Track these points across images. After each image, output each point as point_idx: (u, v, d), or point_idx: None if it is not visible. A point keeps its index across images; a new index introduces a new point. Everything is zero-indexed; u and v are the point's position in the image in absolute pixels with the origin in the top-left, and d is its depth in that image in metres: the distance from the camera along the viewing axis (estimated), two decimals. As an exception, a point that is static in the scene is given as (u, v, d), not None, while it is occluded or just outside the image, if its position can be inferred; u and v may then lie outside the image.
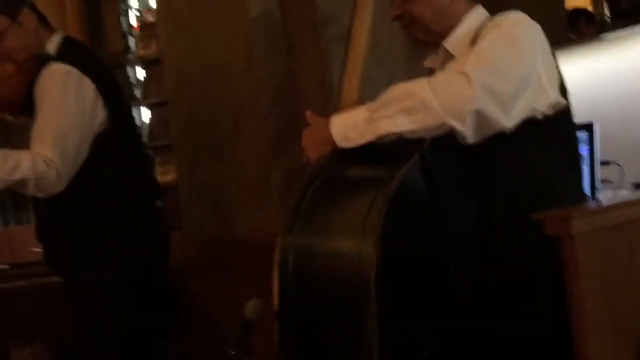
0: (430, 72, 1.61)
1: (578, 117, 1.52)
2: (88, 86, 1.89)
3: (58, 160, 1.79)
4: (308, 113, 1.46)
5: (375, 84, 2.11)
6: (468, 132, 1.24)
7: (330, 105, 2.02)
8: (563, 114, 1.41)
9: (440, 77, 1.29)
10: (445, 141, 1.27)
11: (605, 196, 1.86)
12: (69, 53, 1.95)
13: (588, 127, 1.92)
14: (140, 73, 4.16)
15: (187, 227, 2.66)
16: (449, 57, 1.50)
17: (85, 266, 1.94)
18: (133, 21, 4.85)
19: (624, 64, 2.02)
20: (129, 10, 4.86)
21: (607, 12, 1.96)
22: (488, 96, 1.23)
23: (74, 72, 1.88)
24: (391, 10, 1.51)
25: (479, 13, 1.50)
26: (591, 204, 1.30)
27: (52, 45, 1.98)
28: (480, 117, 1.24)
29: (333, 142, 1.33)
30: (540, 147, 1.36)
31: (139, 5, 4.82)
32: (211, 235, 2.44)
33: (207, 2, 2.38)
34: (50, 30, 2.04)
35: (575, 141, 1.49)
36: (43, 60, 1.90)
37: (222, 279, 2.29)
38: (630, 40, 1.98)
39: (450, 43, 1.48)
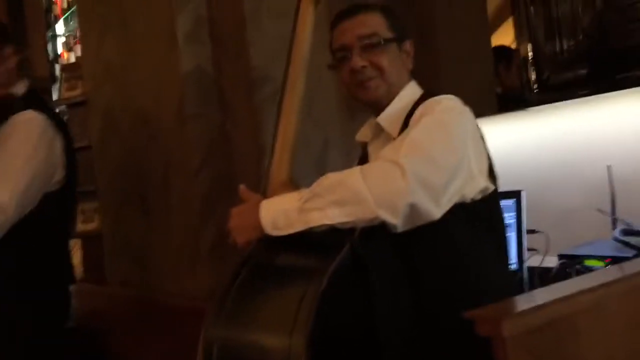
0: (363, 146, 1.60)
1: (505, 185, 1.54)
2: (59, 143, 1.83)
3: (12, 210, 1.70)
4: (242, 188, 1.40)
5: (310, 144, 2.09)
6: (399, 223, 1.22)
7: (262, 166, 2.00)
8: (491, 197, 1.41)
9: (374, 167, 1.27)
10: (375, 230, 1.25)
11: (532, 264, 1.88)
12: (39, 103, 1.88)
13: (516, 195, 1.94)
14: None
15: (110, 280, 2.54)
16: (380, 131, 1.50)
17: None
18: (60, 48, 4.69)
19: (550, 134, 2.06)
20: (56, 37, 4.70)
21: (534, 86, 2.00)
22: (421, 189, 1.22)
23: (50, 127, 1.82)
24: (352, 61, 1.45)
25: (413, 89, 1.51)
26: (522, 301, 1.30)
27: (21, 90, 1.90)
28: (413, 210, 1.22)
29: (262, 228, 1.29)
30: (468, 231, 1.37)
31: (65, 32, 4.66)
32: (137, 294, 2.33)
33: (138, 52, 2.30)
34: (19, 74, 1.97)
35: (502, 222, 1.50)
36: (12, 103, 1.81)
37: (147, 342, 2.18)
38: (556, 112, 2.03)
39: (384, 118, 1.47)
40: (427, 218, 1.25)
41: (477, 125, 1.42)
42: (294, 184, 1.41)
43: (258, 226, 1.28)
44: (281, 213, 1.27)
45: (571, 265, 1.75)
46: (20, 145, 1.76)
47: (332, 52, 1.53)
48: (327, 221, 1.22)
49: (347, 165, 2.07)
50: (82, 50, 2.70)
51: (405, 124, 1.40)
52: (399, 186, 1.20)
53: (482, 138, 1.43)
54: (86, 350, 2.32)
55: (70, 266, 1.95)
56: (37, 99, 1.90)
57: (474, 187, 1.35)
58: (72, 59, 4.44)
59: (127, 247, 2.45)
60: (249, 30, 2.00)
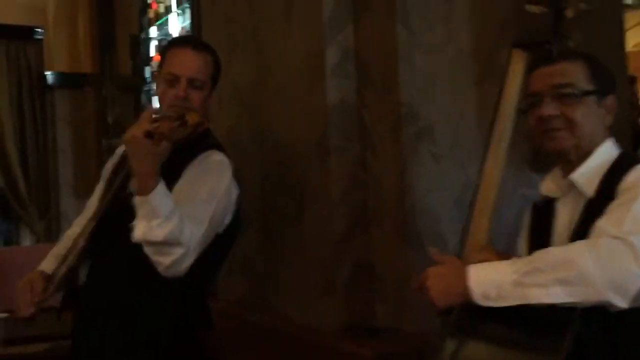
0: (548, 200, 1.49)
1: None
2: (235, 191, 1.81)
3: (198, 248, 1.65)
4: (434, 251, 1.33)
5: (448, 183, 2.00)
6: (627, 305, 1.13)
7: (405, 206, 1.92)
8: None
9: (602, 246, 1.18)
10: (596, 309, 1.16)
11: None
12: (219, 145, 1.87)
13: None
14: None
15: (221, 297, 2.49)
16: (570, 188, 1.39)
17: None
18: (152, 51, 4.67)
19: None
20: (149, 40, 4.68)
21: None
22: None
23: (231, 172, 1.81)
24: (542, 108, 1.36)
25: (611, 148, 1.40)
26: None
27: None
28: None
29: (467, 296, 1.21)
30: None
31: (159, 35, 4.64)
32: (255, 316, 2.27)
33: (273, 78, 2.23)
34: None
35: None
36: (203, 138, 1.80)
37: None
38: None
39: (578, 176, 1.37)
40: None
41: None
42: (493, 248, 1.33)
43: (464, 293, 1.22)
44: (493, 284, 1.19)
45: None
46: (214, 186, 1.74)
47: (525, 97, 1.43)
48: (548, 300, 1.15)
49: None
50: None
51: (604, 185, 1.31)
52: (632, 270, 1.12)
53: None
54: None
55: (209, 312, 1.88)
56: (217, 140, 1.86)
57: None
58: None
59: (246, 267, 2.40)
60: (400, 65, 1.91)
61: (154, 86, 4.62)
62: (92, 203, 1.96)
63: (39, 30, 5.31)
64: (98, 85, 5.20)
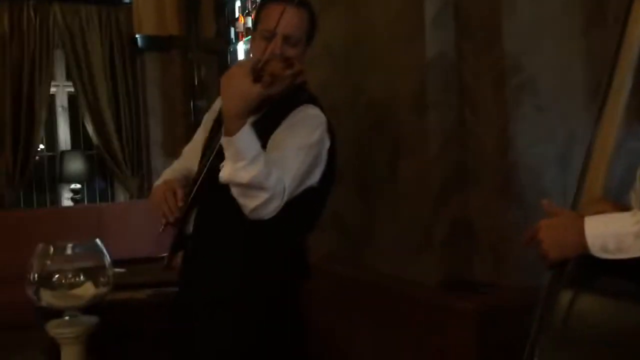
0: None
1: None
2: (327, 144, 1.78)
3: (287, 195, 1.66)
4: (547, 203, 1.28)
5: (555, 138, 1.92)
6: None
7: (507, 160, 1.86)
8: None
9: None
10: None
11: None
12: (316, 100, 1.85)
13: None
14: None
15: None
16: None
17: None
18: (237, 12, 4.70)
19: None
20: (235, 2, 4.71)
21: None
22: None
23: (325, 126, 1.78)
24: None
25: None
26: None
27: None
28: None
29: (582, 248, 1.17)
30: None
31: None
32: (347, 272, 2.28)
33: (368, 34, 2.19)
34: None
35: None
36: (304, 91, 1.80)
37: (353, 318, 2.14)
38: None
39: None
40: None
41: None
42: (609, 201, 1.27)
43: (580, 245, 1.17)
44: (613, 235, 1.14)
45: None
46: (305, 138, 1.73)
47: None
48: None
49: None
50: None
51: None
52: None
53: None
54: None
55: (305, 261, 1.90)
56: (313, 94, 1.85)
57: None
58: (249, 24, 4.46)
59: (336, 223, 2.41)
60: (504, 15, 1.83)
61: (239, 46, 4.69)
62: (195, 148, 1.99)
63: (128, -6, 5.44)
64: (184, 48, 5.29)
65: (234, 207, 1.73)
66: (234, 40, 4.74)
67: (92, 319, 2.14)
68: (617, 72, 1.27)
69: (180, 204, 1.79)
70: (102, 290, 2.19)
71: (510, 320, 1.76)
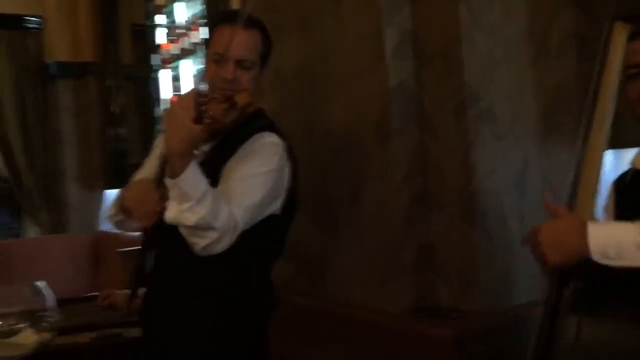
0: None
1: None
2: (288, 171, 1.71)
3: (240, 229, 1.58)
4: (549, 201, 1.29)
5: (511, 163, 1.98)
6: None
7: (470, 188, 1.90)
8: None
9: None
10: None
11: None
12: (274, 126, 1.76)
13: None
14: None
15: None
16: None
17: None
18: (161, 39, 4.56)
19: None
20: (155, 27, 4.57)
21: None
22: None
23: (285, 153, 1.70)
24: None
25: None
26: None
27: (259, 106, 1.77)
28: None
29: (583, 252, 1.18)
30: None
31: (168, 23, 4.54)
32: (311, 303, 2.22)
33: (325, 63, 2.18)
34: None
35: None
36: (259, 119, 1.72)
37: (314, 346, 2.09)
38: None
39: None
40: None
41: None
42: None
43: (580, 250, 1.19)
44: (614, 242, 1.17)
45: None
46: (261, 166, 1.65)
47: (624, 69, 1.39)
48: None
49: (546, 186, 1.99)
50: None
51: None
52: None
53: None
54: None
55: (272, 292, 1.83)
56: (270, 120, 1.78)
57: None
58: (175, 51, 4.33)
59: (294, 253, 2.35)
60: (463, 46, 1.88)
61: (162, 73, 4.55)
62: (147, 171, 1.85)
63: (38, 19, 5.15)
64: (101, 74, 5.07)
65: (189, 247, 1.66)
66: (155, 67, 4.59)
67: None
68: (600, 99, 1.32)
69: (157, 207, 1.61)
70: (47, 336, 2.02)
71: (487, 344, 1.78)
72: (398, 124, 1.98)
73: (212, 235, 1.54)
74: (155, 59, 4.61)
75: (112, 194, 5.20)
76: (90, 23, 5.11)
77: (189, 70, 4.34)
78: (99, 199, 5.20)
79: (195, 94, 1.55)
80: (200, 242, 1.56)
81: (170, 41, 4.40)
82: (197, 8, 4.09)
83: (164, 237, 1.72)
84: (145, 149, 5.14)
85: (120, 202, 1.78)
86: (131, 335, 2.29)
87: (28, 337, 2.01)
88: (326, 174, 2.20)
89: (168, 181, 1.55)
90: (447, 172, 1.95)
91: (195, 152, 1.64)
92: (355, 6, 2.03)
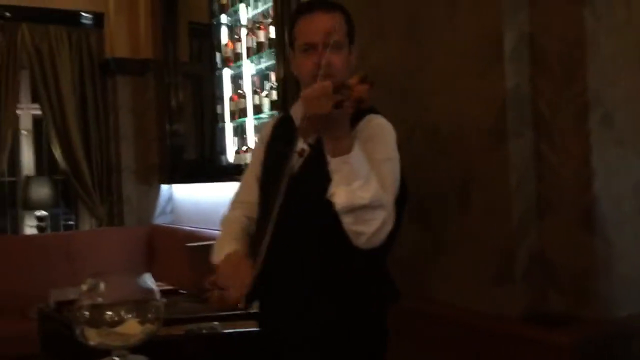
0: None
1: None
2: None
3: (393, 213, 1.53)
4: None
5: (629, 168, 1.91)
6: None
7: (589, 193, 1.83)
8: None
9: None
10: None
11: None
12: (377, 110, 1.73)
13: None
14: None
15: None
16: None
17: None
18: (224, 37, 4.55)
19: None
20: (220, 26, 4.56)
21: None
22: None
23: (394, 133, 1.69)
24: None
25: None
26: None
27: None
28: None
29: None
30: None
31: (231, 21, 4.52)
32: (420, 307, 2.15)
33: (430, 62, 2.13)
34: None
35: None
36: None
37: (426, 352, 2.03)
38: None
39: None
40: None
41: None
42: None
43: None
44: None
45: None
46: (389, 148, 1.62)
47: None
48: None
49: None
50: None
51: None
52: None
53: None
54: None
55: (392, 282, 1.77)
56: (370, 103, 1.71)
57: None
58: (239, 50, 4.31)
59: (395, 254, 2.30)
60: (588, 50, 1.82)
61: (225, 72, 4.53)
62: (250, 183, 1.83)
63: (99, 16, 5.17)
64: (159, 72, 5.08)
65: (316, 239, 1.61)
66: (219, 66, 4.57)
67: (139, 359, 1.93)
68: None
69: (246, 282, 1.60)
70: (152, 327, 1.99)
71: (606, 353, 1.72)
72: (513, 127, 1.92)
73: (382, 215, 1.48)
74: (218, 58, 4.59)
75: (167, 188, 5.22)
76: (149, 20, 5.13)
77: (250, 70, 4.32)
78: (155, 193, 5.21)
79: (327, 85, 1.46)
80: (368, 229, 1.49)
81: (234, 40, 4.38)
82: (262, 7, 4.06)
83: (282, 240, 1.66)
84: (202, 145, 5.20)
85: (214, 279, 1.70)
86: (225, 329, 2.26)
87: (133, 327, 1.99)
88: (429, 175, 2.14)
89: (334, 162, 1.48)
90: (565, 177, 1.89)
91: (304, 146, 1.61)
92: (473, 7, 1.98)
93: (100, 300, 1.96)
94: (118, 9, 5.16)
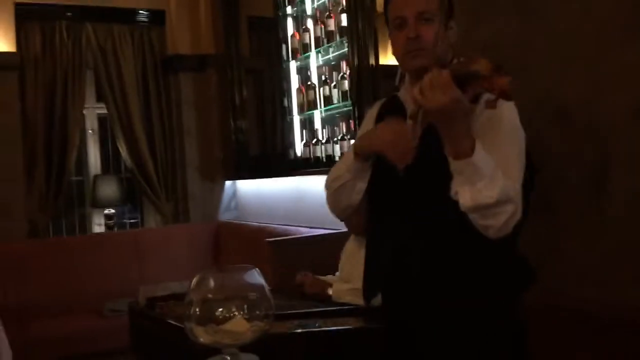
0: None
1: None
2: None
3: (521, 202, 1.40)
4: None
5: None
6: None
7: None
8: None
9: None
10: None
11: None
12: None
13: None
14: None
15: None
16: None
17: None
18: (290, 28, 4.42)
19: None
20: (286, 17, 4.43)
21: None
22: None
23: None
24: None
25: None
26: None
27: None
28: None
29: None
30: None
31: (296, 12, 4.38)
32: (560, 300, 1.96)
33: (545, 38, 1.94)
34: None
35: None
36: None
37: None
38: None
39: None
40: None
41: None
42: None
43: None
44: None
45: None
46: (514, 130, 1.49)
47: None
48: None
49: None
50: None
51: None
52: None
53: None
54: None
55: (527, 263, 1.62)
56: None
57: None
58: (307, 40, 4.17)
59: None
60: None
61: (291, 64, 4.39)
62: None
63: (161, 13, 5.11)
64: (222, 67, 4.98)
65: (442, 230, 1.49)
66: (285, 58, 4.44)
67: (251, 358, 1.81)
68: None
69: (411, 143, 1.44)
70: (261, 325, 1.87)
71: None
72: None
73: (510, 209, 1.38)
74: (284, 50, 4.46)
75: (230, 184, 5.13)
76: (210, 16, 5.04)
77: (318, 61, 4.17)
78: (220, 189, 5.13)
79: (447, 74, 1.32)
80: (496, 222, 1.38)
81: (303, 30, 4.24)
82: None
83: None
84: (265, 140, 5.09)
85: (363, 148, 1.60)
86: (327, 327, 2.15)
87: (241, 325, 1.87)
88: (557, 159, 1.95)
89: (456, 164, 1.37)
90: None
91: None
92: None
93: (210, 296, 1.85)
94: (179, 6, 5.08)
